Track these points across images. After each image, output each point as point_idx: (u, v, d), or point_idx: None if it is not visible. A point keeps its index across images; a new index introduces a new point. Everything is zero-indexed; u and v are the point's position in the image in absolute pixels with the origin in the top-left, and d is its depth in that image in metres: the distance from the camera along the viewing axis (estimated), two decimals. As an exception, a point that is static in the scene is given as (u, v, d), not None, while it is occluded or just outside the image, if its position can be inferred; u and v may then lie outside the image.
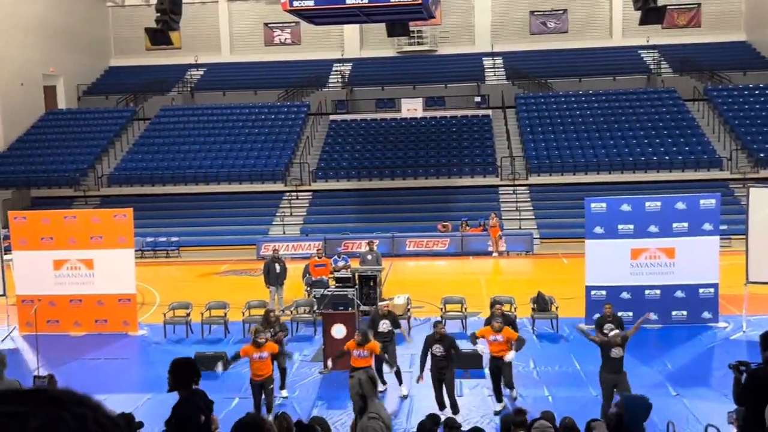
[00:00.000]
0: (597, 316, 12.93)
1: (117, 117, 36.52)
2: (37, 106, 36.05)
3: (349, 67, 39.47)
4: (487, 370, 13.16)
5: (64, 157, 33.16)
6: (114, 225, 16.56)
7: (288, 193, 30.87)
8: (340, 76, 38.86)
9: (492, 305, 12.84)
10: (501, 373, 11.35)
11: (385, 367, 11.85)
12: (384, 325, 12.20)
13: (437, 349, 11.09)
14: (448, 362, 11.13)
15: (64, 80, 37.97)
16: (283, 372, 12.20)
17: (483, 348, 11.46)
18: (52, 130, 35.30)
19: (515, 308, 15.71)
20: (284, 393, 12.16)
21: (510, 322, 12.68)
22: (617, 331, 10.89)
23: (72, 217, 17.09)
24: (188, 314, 16.28)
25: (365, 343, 11.05)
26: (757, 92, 33.74)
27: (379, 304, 13.00)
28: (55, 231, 16.59)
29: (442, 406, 10.83)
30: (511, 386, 11.62)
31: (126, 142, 34.73)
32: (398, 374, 12.09)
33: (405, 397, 11.96)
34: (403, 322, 14.12)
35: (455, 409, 10.82)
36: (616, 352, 10.58)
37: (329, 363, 12.19)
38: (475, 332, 11.81)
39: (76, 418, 1.06)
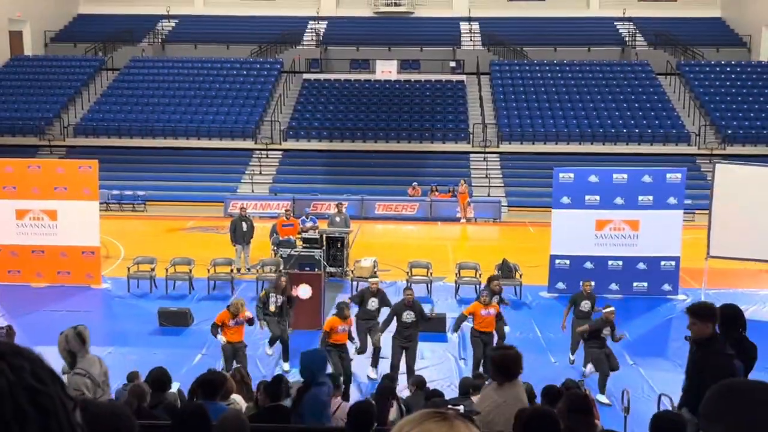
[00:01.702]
0: (572, 292, 12.95)
1: (85, 66, 35.71)
2: (2, 51, 35.09)
3: (324, 26, 38.94)
4: (449, 334, 13.34)
5: (29, 105, 32.41)
6: (79, 176, 16.29)
7: (258, 151, 30.60)
8: (314, 35, 38.35)
9: (489, 281, 12.66)
10: (486, 348, 11.23)
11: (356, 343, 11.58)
12: (372, 303, 11.80)
13: (408, 315, 11.09)
14: (415, 330, 11.15)
15: (31, 26, 36.93)
16: (285, 344, 11.89)
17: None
18: (18, 76, 34.44)
19: (480, 274, 15.87)
20: (286, 366, 11.69)
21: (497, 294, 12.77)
22: (612, 308, 10.95)
23: (36, 167, 16.77)
24: (153, 269, 16.18)
25: (348, 318, 11.02)
26: (728, 69, 34.03)
27: (370, 281, 12.59)
28: (18, 180, 16.29)
29: (396, 369, 10.85)
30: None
31: (94, 92, 34.00)
32: (376, 353, 11.63)
33: (371, 379, 11.66)
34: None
35: (411, 374, 10.85)
36: (605, 332, 10.77)
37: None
38: (464, 313, 11.56)
39: (14, 369, 1.04)
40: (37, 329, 13.24)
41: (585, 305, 11.88)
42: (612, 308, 10.99)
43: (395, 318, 11.26)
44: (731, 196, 15.03)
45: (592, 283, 12.41)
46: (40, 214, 16.24)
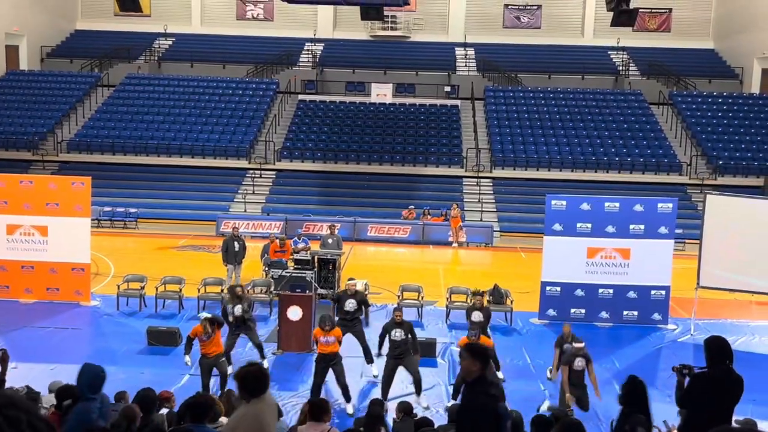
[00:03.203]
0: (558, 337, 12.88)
1: (81, 82, 35.76)
2: (-2, 65, 35.17)
3: (321, 48, 39.19)
4: (440, 359, 13.34)
5: (23, 120, 32.41)
6: (71, 193, 16.26)
7: (251, 171, 30.64)
8: (311, 56, 38.57)
9: (473, 295, 12.99)
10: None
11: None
12: (350, 305, 12.19)
13: (397, 333, 11.12)
14: (407, 347, 11.19)
15: (27, 40, 37.02)
16: (260, 348, 12.38)
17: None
18: (13, 91, 34.45)
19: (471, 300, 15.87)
20: (265, 363, 12.11)
21: (488, 315, 12.83)
22: (582, 344, 10.91)
23: (28, 182, 16.72)
24: (143, 287, 16.11)
25: (331, 329, 11.05)
26: (720, 100, 34.36)
27: (347, 282, 12.92)
28: (9, 195, 16.24)
29: (385, 396, 10.84)
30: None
31: (88, 108, 34.05)
32: (368, 353, 12.09)
33: (376, 376, 11.98)
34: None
35: (419, 388, 10.96)
36: (578, 363, 10.66)
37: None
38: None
39: (10, 421, 1.04)
40: (25, 346, 13.16)
41: (567, 348, 11.91)
42: (582, 345, 10.81)
43: (386, 336, 11.36)
44: (722, 227, 15.12)
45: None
46: (31, 229, 16.18)
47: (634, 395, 5.76)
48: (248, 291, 16.43)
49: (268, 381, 4.88)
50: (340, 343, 11.20)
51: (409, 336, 11.24)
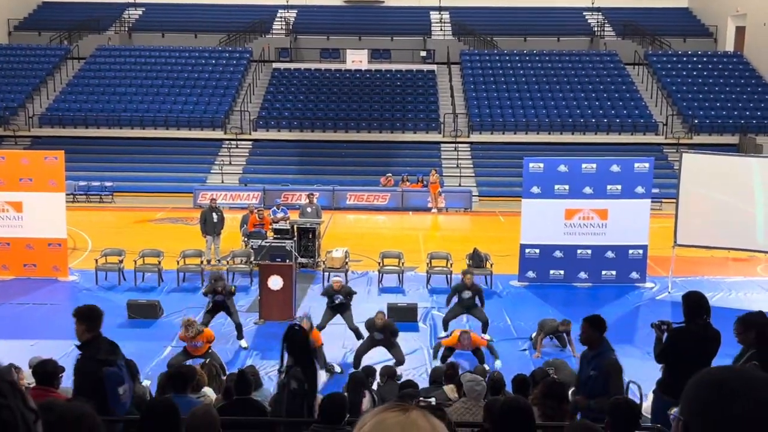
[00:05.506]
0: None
1: (50, 55, 35.07)
2: (-37, 39, 34.37)
3: (294, 14, 38.68)
4: (421, 323, 13.44)
5: (-8, 95, 31.81)
6: (45, 167, 16.02)
7: (227, 141, 30.34)
8: (284, 23, 38.07)
9: (464, 273, 12.98)
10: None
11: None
12: (338, 299, 12.38)
13: (378, 335, 11.16)
14: (386, 345, 11.26)
15: (-7, 13, 36.19)
16: (238, 327, 12.27)
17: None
18: (-20, 65, 33.75)
19: (451, 264, 15.94)
20: (243, 343, 12.19)
21: (478, 290, 12.86)
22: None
23: (1, 158, 16.45)
24: (121, 261, 15.99)
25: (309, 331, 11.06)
26: (695, 59, 34.45)
27: (333, 279, 13.09)
28: (-19, 172, 15.96)
29: (356, 365, 10.90)
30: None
31: (59, 82, 33.45)
32: (357, 332, 12.13)
33: None
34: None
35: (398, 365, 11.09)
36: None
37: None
38: (441, 342, 11.63)
39: None
40: (4, 322, 13.06)
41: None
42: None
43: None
44: (697, 185, 15.23)
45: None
46: (5, 206, 15.95)
47: (295, 349, 5.85)
48: (229, 262, 16.42)
49: None
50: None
51: (392, 334, 11.22)
